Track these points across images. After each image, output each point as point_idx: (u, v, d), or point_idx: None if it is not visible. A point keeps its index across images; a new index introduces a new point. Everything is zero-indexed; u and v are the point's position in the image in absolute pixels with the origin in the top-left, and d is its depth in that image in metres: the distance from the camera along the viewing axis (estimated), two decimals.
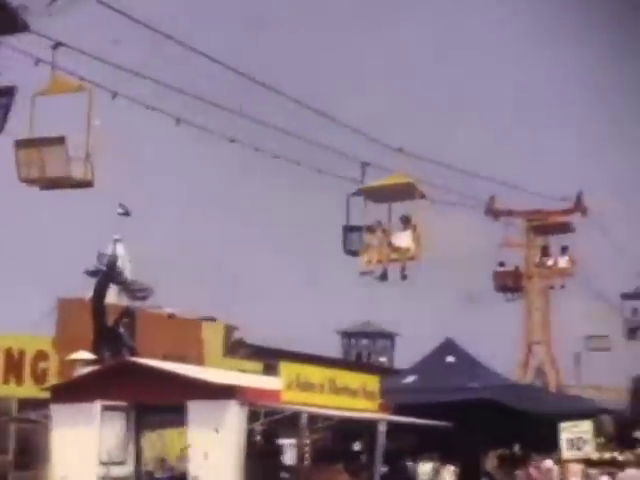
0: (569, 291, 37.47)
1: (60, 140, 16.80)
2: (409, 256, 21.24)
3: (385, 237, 21.56)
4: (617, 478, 20.05)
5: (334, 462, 18.82)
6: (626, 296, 38.45)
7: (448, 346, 23.46)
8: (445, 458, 25.27)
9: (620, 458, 34.90)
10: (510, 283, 37.75)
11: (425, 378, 22.31)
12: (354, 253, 23.83)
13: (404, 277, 21.52)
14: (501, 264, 37.97)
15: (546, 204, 35.84)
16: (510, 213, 35.97)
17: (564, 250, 36.24)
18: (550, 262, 36.11)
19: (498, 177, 31.25)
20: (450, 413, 20.16)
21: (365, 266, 21.81)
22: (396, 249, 21.26)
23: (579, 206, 35.53)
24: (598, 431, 26.12)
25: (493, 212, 35.26)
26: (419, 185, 20.93)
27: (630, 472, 18.81)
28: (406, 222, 21.52)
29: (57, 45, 16.58)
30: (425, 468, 25.08)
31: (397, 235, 21.36)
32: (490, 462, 28.84)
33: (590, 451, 22.51)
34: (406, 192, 20.73)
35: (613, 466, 33.33)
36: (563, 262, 35.96)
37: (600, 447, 31.15)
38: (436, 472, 25.53)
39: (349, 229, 23.24)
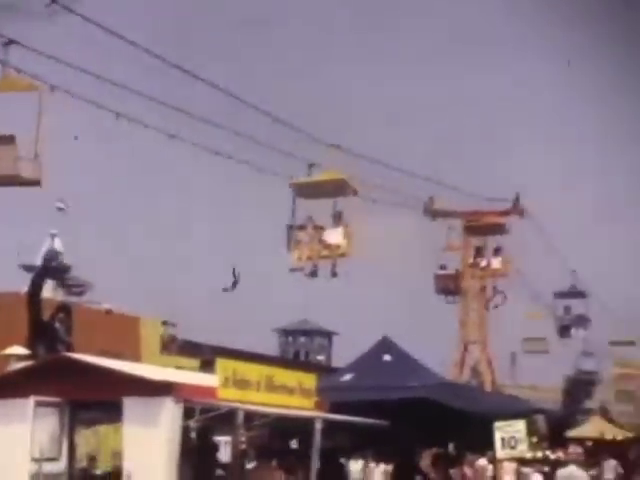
0: (507, 291, 37.69)
1: (10, 139, 16.72)
2: (339, 253, 21.25)
3: (316, 233, 21.52)
4: (557, 474, 20.26)
5: (270, 459, 18.83)
6: (558, 294, 38.79)
7: (385, 345, 23.51)
8: (380, 456, 25.44)
9: (552, 457, 35.41)
10: (451, 286, 37.97)
11: (362, 376, 22.33)
12: None
13: (334, 274, 21.52)
14: (442, 267, 38.19)
15: (485, 205, 36.07)
16: (448, 214, 36.09)
17: (497, 251, 36.45)
18: (484, 263, 36.30)
19: (439, 177, 31.58)
20: (386, 411, 20.24)
21: (295, 262, 21.76)
22: (327, 246, 21.24)
23: (516, 207, 35.82)
24: (532, 430, 26.43)
25: (431, 212, 35.38)
26: (352, 182, 20.93)
27: (571, 469, 19.06)
28: (338, 219, 21.49)
29: (9, 43, 16.47)
30: (357, 466, 25.24)
31: (328, 232, 21.33)
32: (425, 461, 29.06)
33: (523, 450, 22.74)
34: (338, 188, 20.75)
35: (546, 465, 33.82)
36: (496, 263, 36.17)
37: (533, 446, 31.57)
38: (366, 470, 25.72)
39: (294, 228, 23.23)
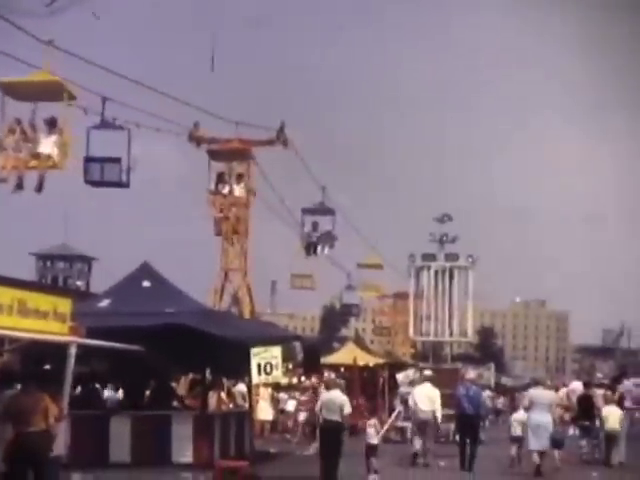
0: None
1: None
2: (50, 164, 19.79)
3: (25, 140, 19.76)
4: (321, 397, 21.01)
5: (23, 385, 18.38)
6: (306, 211, 37.77)
7: (144, 270, 23.31)
8: (137, 382, 25.38)
9: (307, 383, 36.55)
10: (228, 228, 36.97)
11: (120, 302, 22.07)
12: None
13: (39, 189, 19.97)
14: (222, 210, 37.16)
15: (251, 134, 35.80)
16: (212, 141, 35.60)
17: (240, 178, 35.59)
18: (225, 190, 35.38)
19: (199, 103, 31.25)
20: (144, 337, 20.16)
21: None
22: (36, 155, 19.65)
23: (281, 137, 35.61)
24: (287, 357, 27.03)
25: (196, 139, 34.89)
26: (68, 86, 19.49)
27: (334, 393, 19.84)
28: (51, 125, 19.87)
29: None
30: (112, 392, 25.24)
31: (40, 139, 19.66)
32: (181, 386, 29.25)
33: (279, 376, 23.28)
34: (52, 92, 19.34)
35: (301, 390, 34.87)
36: (238, 191, 35.42)
37: (289, 372, 32.45)
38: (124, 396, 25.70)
39: None
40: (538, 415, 21.60)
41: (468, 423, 23.03)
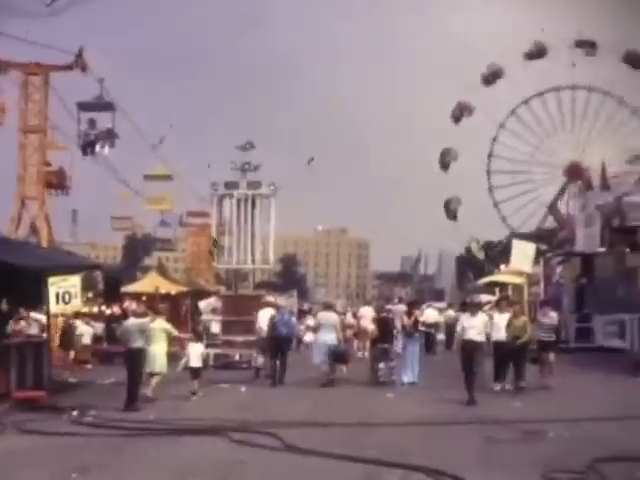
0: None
1: None
2: None
3: None
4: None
5: None
6: (83, 106, 35.75)
7: None
8: None
9: (108, 311, 36.28)
10: (54, 180, 35.40)
11: None
12: None
13: None
14: (47, 164, 35.35)
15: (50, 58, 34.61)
16: (8, 65, 34.22)
17: None
18: None
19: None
20: None
21: None
22: None
23: (79, 62, 34.49)
24: (87, 286, 26.74)
25: None
26: None
27: (130, 320, 20.03)
28: None
29: None
30: None
31: None
32: None
33: (77, 304, 23.13)
34: None
35: (100, 319, 34.55)
36: None
37: (89, 301, 32.05)
38: None
39: None
40: (323, 335, 24.90)
41: (281, 344, 25.45)
